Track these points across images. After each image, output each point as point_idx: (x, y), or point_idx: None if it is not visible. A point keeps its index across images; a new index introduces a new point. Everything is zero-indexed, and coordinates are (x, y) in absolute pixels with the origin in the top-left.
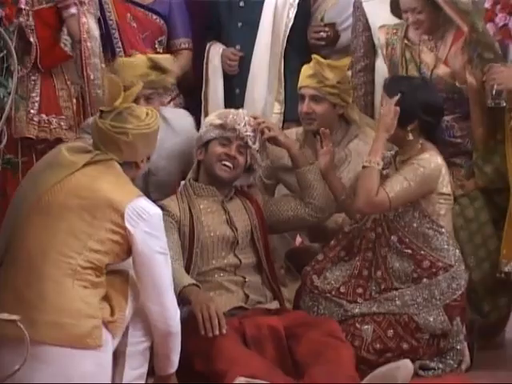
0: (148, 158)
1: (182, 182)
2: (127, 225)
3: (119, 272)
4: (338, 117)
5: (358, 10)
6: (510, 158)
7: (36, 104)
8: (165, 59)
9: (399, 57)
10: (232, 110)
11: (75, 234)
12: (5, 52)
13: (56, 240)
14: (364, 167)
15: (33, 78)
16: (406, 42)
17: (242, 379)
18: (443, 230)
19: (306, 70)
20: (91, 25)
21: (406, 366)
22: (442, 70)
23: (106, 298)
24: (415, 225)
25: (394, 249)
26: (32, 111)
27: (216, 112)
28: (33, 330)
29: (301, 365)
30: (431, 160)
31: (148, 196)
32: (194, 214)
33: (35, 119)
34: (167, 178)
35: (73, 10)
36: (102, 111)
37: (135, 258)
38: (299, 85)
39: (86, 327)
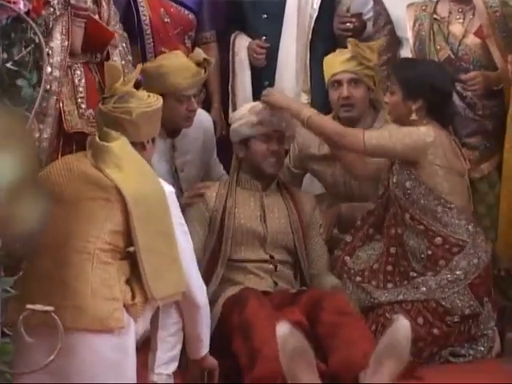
0: (153, 140)
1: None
2: None
3: None
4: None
5: (378, 4)
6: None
7: (84, 99)
8: (200, 53)
9: (427, 31)
10: (260, 103)
11: (93, 219)
12: (32, 46)
13: (75, 227)
14: (307, 120)
15: (78, 71)
16: (435, 16)
17: (285, 325)
18: (452, 205)
19: (341, 55)
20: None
21: (401, 324)
22: (471, 40)
23: (129, 282)
24: (423, 202)
25: (408, 226)
26: (83, 106)
27: (245, 107)
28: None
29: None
30: (422, 128)
31: (182, 193)
32: (228, 204)
33: (86, 114)
34: (194, 172)
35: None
36: (103, 98)
37: None
38: (333, 71)
39: (107, 309)
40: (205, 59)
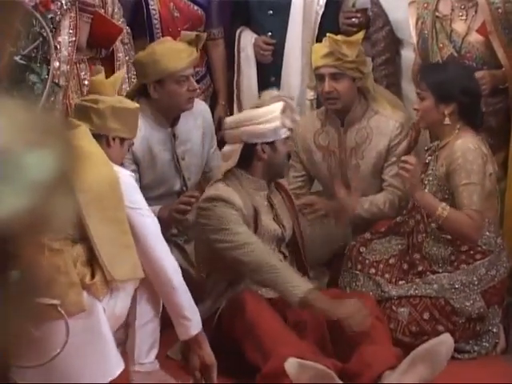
0: (122, 141)
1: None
2: None
3: None
4: (357, 92)
5: (376, 5)
6: None
7: None
8: (189, 34)
9: (430, 29)
10: (278, 102)
11: None
12: (40, 39)
13: None
14: (443, 220)
15: (83, 66)
16: (437, 14)
17: (292, 360)
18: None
19: (320, 49)
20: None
21: (447, 339)
22: (474, 37)
23: (89, 262)
24: None
25: (432, 235)
26: None
27: (271, 106)
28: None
29: (344, 347)
30: (469, 148)
31: (184, 182)
32: (258, 209)
33: None
34: (195, 160)
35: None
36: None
37: None
38: (315, 65)
39: (66, 295)
40: (196, 35)
